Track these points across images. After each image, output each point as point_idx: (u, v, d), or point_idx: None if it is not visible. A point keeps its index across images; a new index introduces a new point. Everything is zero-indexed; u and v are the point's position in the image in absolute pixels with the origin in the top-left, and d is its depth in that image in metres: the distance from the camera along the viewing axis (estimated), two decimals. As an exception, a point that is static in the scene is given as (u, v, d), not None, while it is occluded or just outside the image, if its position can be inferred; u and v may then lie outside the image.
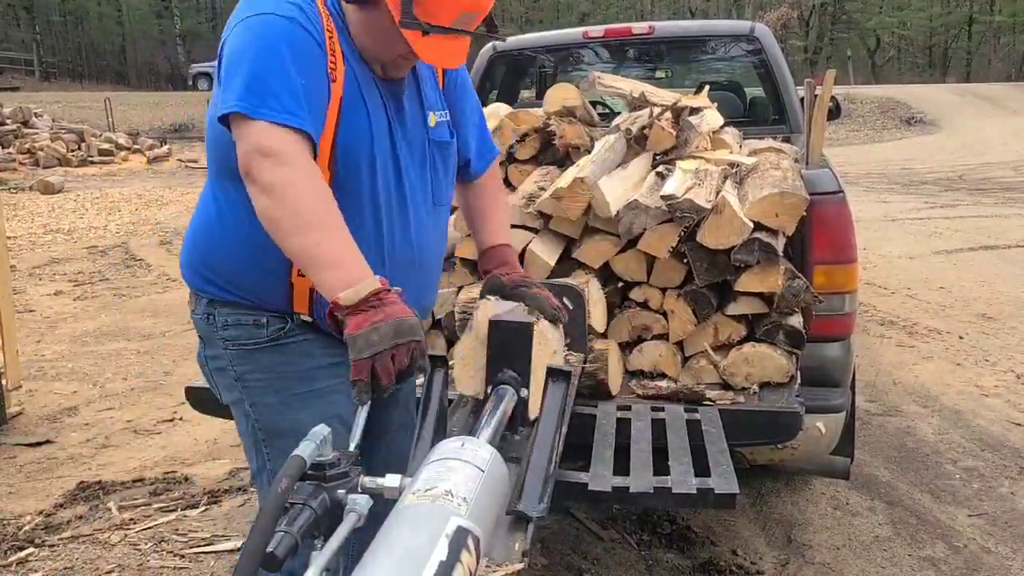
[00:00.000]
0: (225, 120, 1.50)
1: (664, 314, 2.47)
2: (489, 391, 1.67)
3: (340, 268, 1.43)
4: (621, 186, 2.54)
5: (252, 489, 3.46)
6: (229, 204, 1.64)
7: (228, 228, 1.65)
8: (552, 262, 2.53)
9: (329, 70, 1.57)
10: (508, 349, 1.66)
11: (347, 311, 1.40)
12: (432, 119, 1.78)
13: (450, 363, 1.72)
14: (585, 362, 2.39)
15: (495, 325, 1.69)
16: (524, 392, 1.66)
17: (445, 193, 1.85)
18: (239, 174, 1.50)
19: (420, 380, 1.63)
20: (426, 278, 1.81)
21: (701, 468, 1.88)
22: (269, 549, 0.97)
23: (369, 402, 1.38)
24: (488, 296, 1.85)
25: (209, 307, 1.71)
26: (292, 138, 1.46)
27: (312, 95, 1.52)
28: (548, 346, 1.74)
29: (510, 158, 2.98)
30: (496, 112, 3.16)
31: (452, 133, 1.86)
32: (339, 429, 1.47)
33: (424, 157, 1.76)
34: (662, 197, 2.35)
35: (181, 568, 2.88)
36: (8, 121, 18.93)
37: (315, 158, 1.52)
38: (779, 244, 2.35)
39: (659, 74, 5.36)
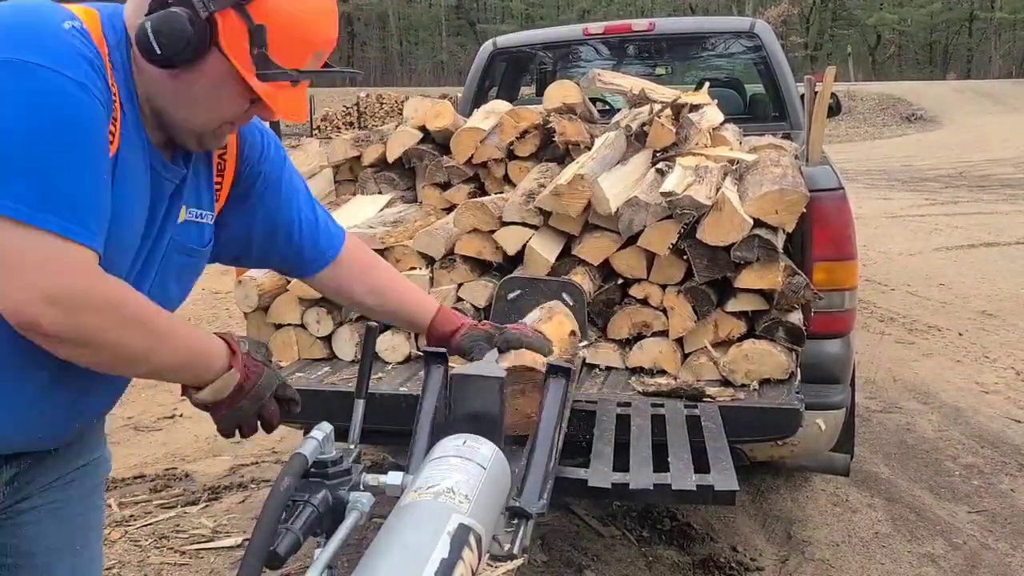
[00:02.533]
0: None
1: (664, 311, 2.47)
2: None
3: (189, 371, 1.27)
4: (621, 183, 2.54)
5: (253, 486, 3.46)
6: None
7: None
8: (552, 259, 2.53)
9: (109, 137, 1.17)
10: (471, 409, 1.39)
11: (209, 406, 1.30)
12: (183, 214, 1.37)
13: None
14: (584, 359, 2.41)
15: (457, 379, 1.42)
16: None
17: (172, 297, 1.46)
18: None
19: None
20: (104, 402, 1.47)
21: (701, 465, 1.88)
22: (272, 547, 0.97)
23: (364, 399, 1.39)
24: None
25: None
26: (90, 264, 1.12)
27: (101, 195, 1.15)
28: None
29: (510, 155, 2.98)
30: (496, 109, 3.16)
31: (208, 240, 1.46)
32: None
33: (156, 257, 1.35)
34: (662, 194, 2.35)
35: (181, 564, 2.89)
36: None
37: None
38: (779, 241, 2.35)
39: (659, 71, 5.36)
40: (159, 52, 1.16)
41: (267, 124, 1.51)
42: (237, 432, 1.33)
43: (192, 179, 1.38)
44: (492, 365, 1.56)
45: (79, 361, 1.17)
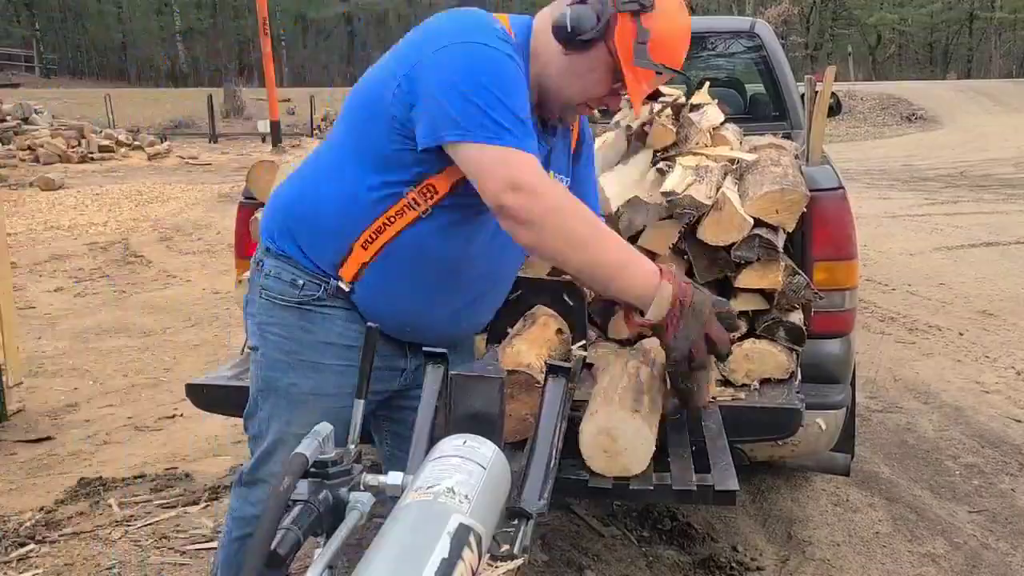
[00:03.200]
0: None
1: (664, 311, 2.46)
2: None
3: (627, 279, 1.60)
4: (621, 182, 2.54)
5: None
6: (342, 171, 1.73)
7: (327, 182, 1.74)
8: (553, 259, 2.52)
9: None
10: (472, 409, 1.40)
11: (654, 324, 1.59)
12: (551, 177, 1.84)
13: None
14: (584, 358, 2.40)
15: (456, 381, 1.42)
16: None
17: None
18: (384, 166, 1.65)
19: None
20: (486, 302, 1.91)
21: (701, 464, 1.88)
22: (273, 547, 0.97)
23: (364, 400, 1.38)
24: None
25: (263, 254, 1.81)
26: (533, 164, 1.55)
27: (530, 127, 1.59)
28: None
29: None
30: None
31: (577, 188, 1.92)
32: (327, 404, 1.73)
33: None
34: (662, 193, 2.35)
35: (182, 564, 2.89)
36: (8, 118, 18.93)
37: (440, 160, 1.62)
38: (779, 240, 2.35)
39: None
40: (569, 30, 1.62)
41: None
42: (691, 364, 1.60)
43: (557, 150, 1.83)
44: (492, 365, 1.59)
45: (535, 245, 1.57)
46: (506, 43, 1.62)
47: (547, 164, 1.76)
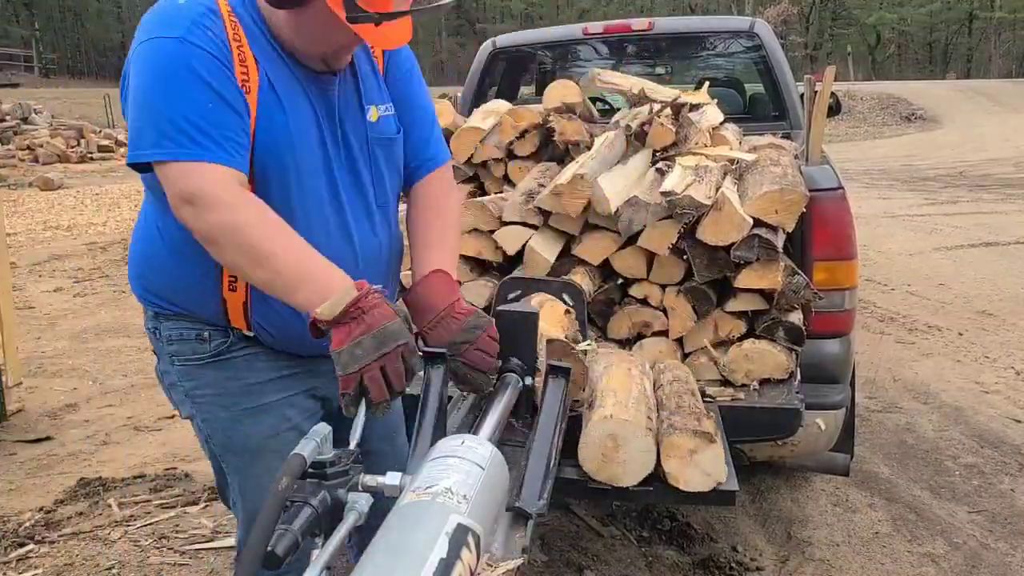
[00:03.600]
0: (139, 167, 1.47)
1: (664, 311, 2.47)
2: (495, 380, 1.66)
3: (308, 284, 1.40)
4: (621, 182, 2.54)
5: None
6: (160, 217, 1.59)
7: (161, 241, 1.60)
8: (552, 259, 2.53)
9: (241, 82, 1.48)
10: (513, 338, 1.66)
11: (327, 324, 1.37)
12: (373, 113, 1.68)
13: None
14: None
15: (499, 315, 1.71)
16: (529, 380, 1.68)
17: (389, 192, 1.73)
18: (160, 195, 1.47)
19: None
20: (371, 280, 1.57)
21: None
22: (270, 547, 0.97)
23: (353, 415, 1.37)
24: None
25: (155, 320, 1.68)
26: (210, 175, 1.40)
27: (223, 114, 1.44)
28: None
29: (510, 154, 2.98)
30: (496, 108, 3.16)
31: (398, 128, 1.74)
32: (290, 438, 1.55)
33: (364, 156, 1.66)
34: (662, 193, 2.35)
35: (181, 565, 2.89)
36: (8, 117, 18.95)
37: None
38: (779, 241, 2.35)
39: (659, 70, 5.36)
40: None
41: None
42: (361, 398, 1.36)
43: (366, 83, 1.68)
44: (528, 306, 1.84)
45: (218, 258, 1.43)
46: (188, 24, 1.44)
47: (329, 111, 1.60)
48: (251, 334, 1.63)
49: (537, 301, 2.08)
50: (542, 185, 2.63)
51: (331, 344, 1.37)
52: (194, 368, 1.65)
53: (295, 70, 1.57)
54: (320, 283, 1.40)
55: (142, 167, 1.47)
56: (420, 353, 1.47)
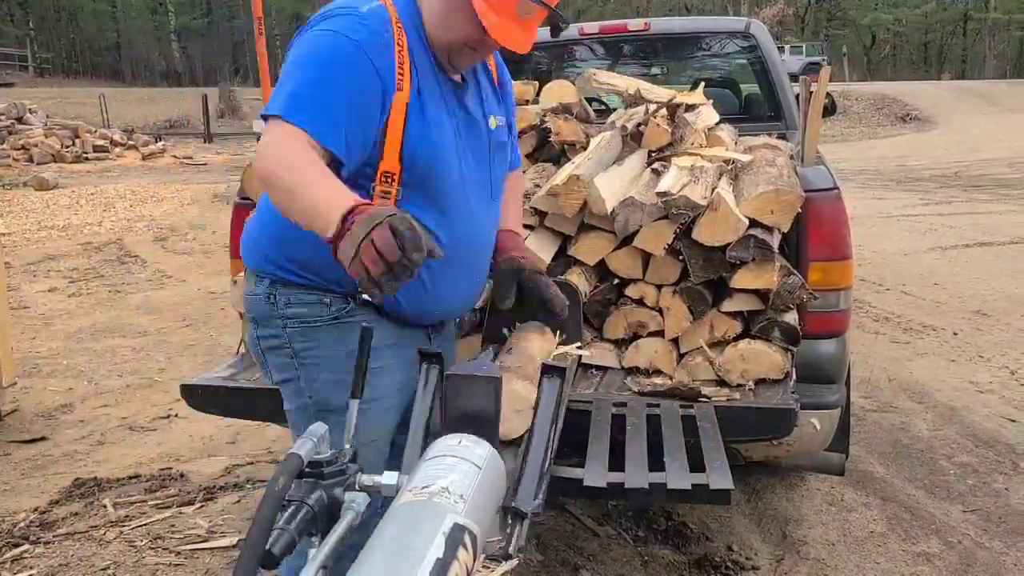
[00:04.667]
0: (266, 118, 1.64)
1: (660, 311, 2.47)
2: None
3: (324, 216, 1.48)
4: (617, 183, 2.54)
5: (248, 486, 3.46)
6: None
7: None
8: (548, 259, 2.53)
9: (397, 79, 1.67)
10: (467, 409, 1.38)
11: (332, 241, 1.46)
12: (493, 122, 1.92)
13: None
14: (580, 358, 2.40)
15: (451, 380, 1.40)
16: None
17: (500, 188, 1.99)
18: (335, 171, 1.62)
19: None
20: (480, 264, 1.95)
21: (696, 464, 1.89)
22: (267, 547, 0.97)
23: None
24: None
25: (271, 287, 1.81)
26: (284, 131, 1.57)
27: (352, 119, 1.62)
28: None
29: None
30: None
31: (508, 136, 2.00)
32: (388, 404, 1.81)
33: (486, 156, 1.90)
34: (657, 194, 2.36)
35: (176, 565, 2.88)
36: (2, 117, 18.89)
37: (375, 153, 1.68)
38: (775, 241, 2.35)
39: (655, 71, 5.36)
40: None
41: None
42: (365, 276, 1.41)
43: (486, 95, 1.91)
44: (488, 365, 1.57)
45: (275, 203, 1.62)
46: (367, 30, 1.64)
47: (465, 116, 1.82)
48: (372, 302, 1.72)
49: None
50: (538, 185, 2.64)
51: (337, 254, 1.46)
52: (311, 330, 1.79)
53: (440, 80, 1.77)
54: (328, 213, 1.49)
55: None
56: (414, 225, 1.45)
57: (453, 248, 1.75)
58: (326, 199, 1.50)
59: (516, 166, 2.17)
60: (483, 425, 1.33)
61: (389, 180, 1.71)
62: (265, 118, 1.64)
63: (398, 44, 1.68)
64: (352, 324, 1.76)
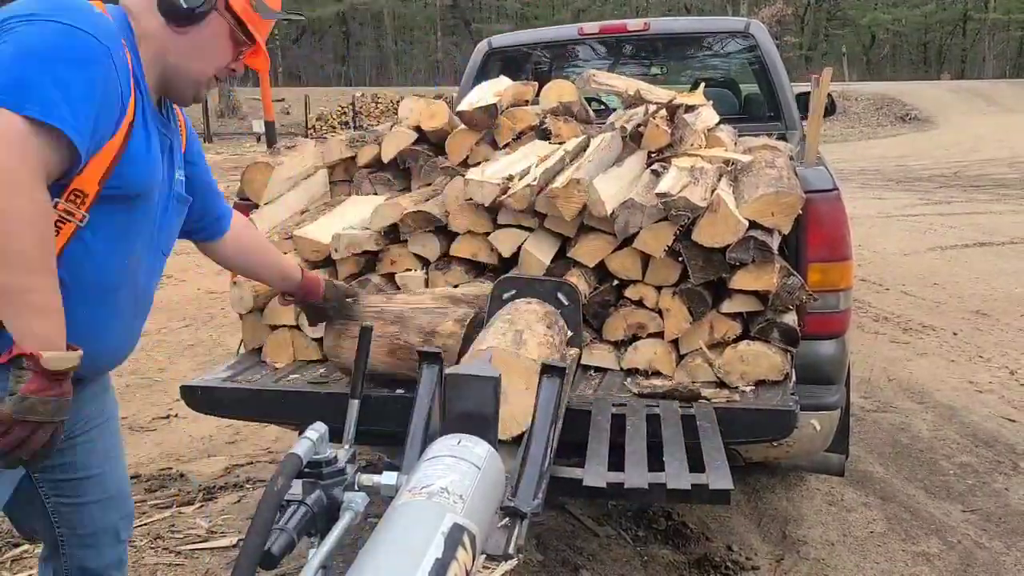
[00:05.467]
0: None
1: (659, 312, 2.47)
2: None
3: (42, 320, 1.36)
4: (616, 184, 2.54)
5: (248, 486, 3.46)
6: None
7: None
8: (547, 261, 2.53)
9: (125, 100, 1.50)
10: (466, 408, 1.38)
11: (37, 370, 1.35)
12: (178, 174, 1.76)
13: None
14: (580, 357, 2.40)
15: (452, 380, 1.41)
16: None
17: (170, 245, 1.84)
18: None
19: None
20: (140, 317, 1.77)
21: (696, 464, 1.89)
22: (266, 547, 0.97)
23: (359, 399, 1.39)
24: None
25: None
26: (39, 149, 1.34)
27: (99, 122, 1.42)
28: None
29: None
30: (498, 87, 3.16)
31: (187, 194, 1.83)
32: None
33: (168, 205, 1.73)
34: (657, 195, 2.35)
35: (176, 565, 2.88)
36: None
37: (76, 164, 1.42)
38: (774, 242, 2.35)
39: (654, 71, 5.37)
40: (184, 7, 1.56)
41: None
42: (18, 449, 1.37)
43: (176, 144, 1.75)
44: (486, 366, 1.57)
45: None
46: (113, 40, 1.47)
47: (173, 157, 1.72)
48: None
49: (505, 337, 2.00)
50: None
51: (25, 385, 1.35)
52: None
53: (154, 114, 1.63)
54: (52, 325, 1.38)
55: None
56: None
57: (114, 298, 1.60)
58: (53, 305, 1.37)
59: (229, 215, 2.05)
60: (481, 424, 1.33)
61: (78, 201, 1.46)
62: None
63: (131, 66, 1.53)
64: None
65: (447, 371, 1.48)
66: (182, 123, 1.83)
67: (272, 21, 1.71)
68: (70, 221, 1.46)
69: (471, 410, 1.37)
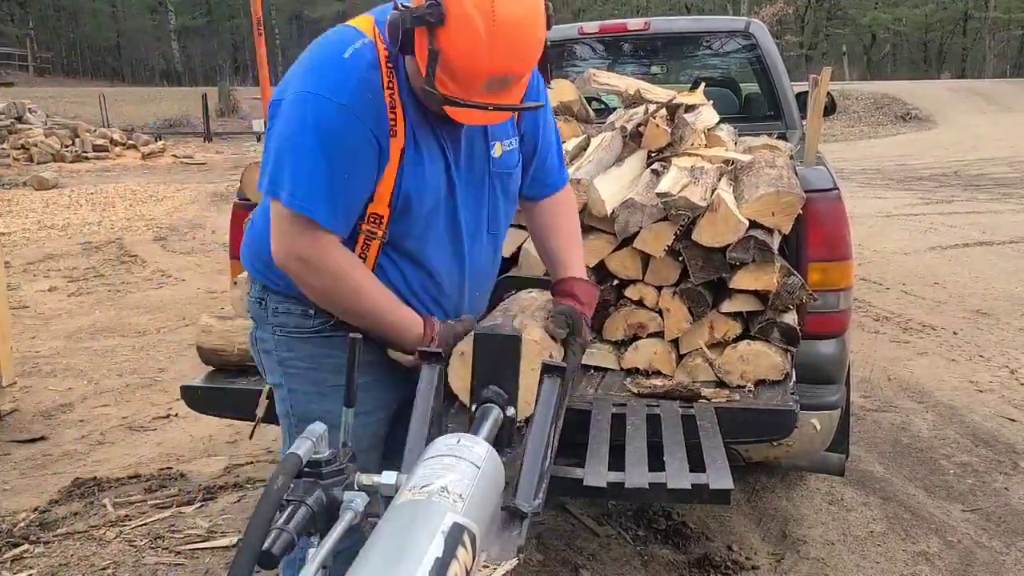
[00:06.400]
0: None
1: (659, 312, 2.47)
2: (474, 410, 1.59)
3: (395, 330, 1.73)
4: (616, 184, 2.54)
5: (248, 486, 3.46)
6: None
7: None
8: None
9: (390, 127, 1.62)
10: (493, 364, 1.58)
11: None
12: (498, 149, 1.81)
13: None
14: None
15: (478, 338, 1.62)
16: (511, 411, 1.57)
17: (502, 221, 1.92)
18: None
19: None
20: (473, 301, 1.93)
21: (696, 464, 1.89)
22: (265, 547, 0.97)
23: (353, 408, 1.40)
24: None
25: (263, 292, 1.84)
26: (322, 242, 1.63)
27: (353, 191, 1.64)
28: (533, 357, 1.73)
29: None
30: None
31: (519, 160, 1.89)
32: (364, 421, 1.73)
33: (483, 190, 1.82)
34: (657, 195, 2.35)
35: (176, 565, 2.88)
36: (2, 116, 18.89)
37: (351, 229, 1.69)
38: (775, 242, 2.35)
39: (654, 70, 5.37)
40: (387, 36, 1.59)
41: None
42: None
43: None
44: (508, 324, 1.73)
45: (318, 304, 1.75)
46: (355, 86, 1.57)
47: (457, 152, 1.74)
48: None
49: (525, 304, 2.02)
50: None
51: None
52: (294, 340, 1.82)
53: (429, 114, 1.67)
54: (399, 330, 1.74)
55: None
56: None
57: (438, 285, 1.81)
58: (393, 325, 1.73)
59: (558, 186, 2.02)
60: (507, 377, 1.53)
61: (377, 222, 1.70)
62: (261, 192, 1.69)
63: (388, 88, 1.61)
64: (333, 338, 1.78)
65: (476, 330, 1.68)
66: None
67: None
68: (374, 238, 1.72)
69: (496, 363, 1.52)
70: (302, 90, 1.60)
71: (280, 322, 1.82)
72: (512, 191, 1.92)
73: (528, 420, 1.58)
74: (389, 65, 1.62)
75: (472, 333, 1.71)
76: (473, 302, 1.94)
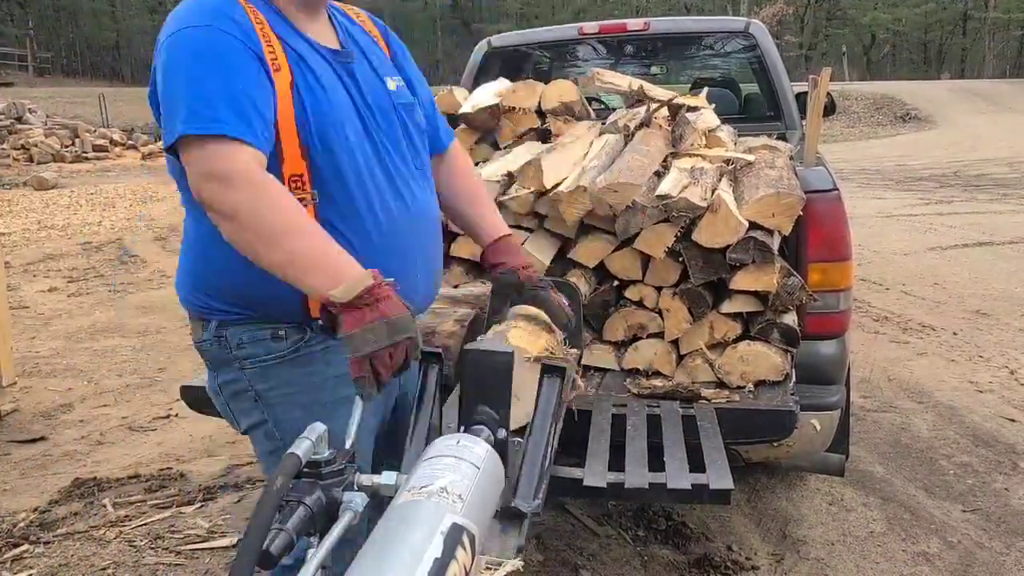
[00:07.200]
0: (174, 149, 1.48)
1: (659, 313, 2.47)
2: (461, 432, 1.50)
3: (323, 269, 1.42)
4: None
5: (248, 486, 3.46)
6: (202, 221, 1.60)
7: (226, 245, 1.50)
8: (547, 261, 2.53)
9: (269, 61, 1.53)
10: (482, 383, 1.45)
11: (340, 308, 1.39)
12: (391, 83, 1.75)
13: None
14: (580, 357, 2.40)
15: (467, 355, 1.49)
16: (502, 433, 1.44)
17: (423, 155, 1.81)
18: None
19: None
20: (428, 242, 1.78)
21: (696, 464, 1.89)
22: (265, 547, 0.97)
23: (370, 398, 1.39)
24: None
25: (219, 328, 1.67)
26: (237, 156, 1.43)
27: (253, 97, 1.48)
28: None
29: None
30: (499, 88, 3.17)
31: (414, 94, 1.82)
32: (366, 427, 1.62)
33: (395, 121, 1.72)
34: (658, 196, 2.35)
35: (176, 565, 2.88)
36: (2, 117, 18.90)
37: (273, 155, 1.51)
38: (775, 243, 2.35)
39: (654, 70, 5.37)
40: None
41: None
42: (374, 385, 1.40)
43: (373, 57, 1.75)
44: (501, 342, 1.63)
45: (230, 238, 1.45)
46: (210, 13, 1.51)
47: (355, 81, 1.67)
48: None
49: (514, 324, 1.93)
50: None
51: (342, 327, 1.40)
52: (269, 368, 1.66)
53: (318, 47, 1.63)
54: (334, 268, 1.43)
55: (178, 161, 1.51)
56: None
57: (390, 233, 1.65)
58: (327, 252, 1.44)
59: (448, 141, 1.97)
60: (497, 397, 1.41)
61: (299, 184, 1.55)
62: (174, 159, 1.51)
63: (257, 23, 1.55)
64: (314, 353, 1.65)
65: (466, 347, 1.54)
66: (377, 34, 1.84)
67: None
68: (305, 206, 1.53)
69: (488, 384, 1.41)
70: (164, 38, 1.52)
71: (247, 354, 1.65)
72: (421, 126, 1.82)
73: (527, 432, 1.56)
74: (250, 5, 1.57)
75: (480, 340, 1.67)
76: (429, 263, 1.79)
